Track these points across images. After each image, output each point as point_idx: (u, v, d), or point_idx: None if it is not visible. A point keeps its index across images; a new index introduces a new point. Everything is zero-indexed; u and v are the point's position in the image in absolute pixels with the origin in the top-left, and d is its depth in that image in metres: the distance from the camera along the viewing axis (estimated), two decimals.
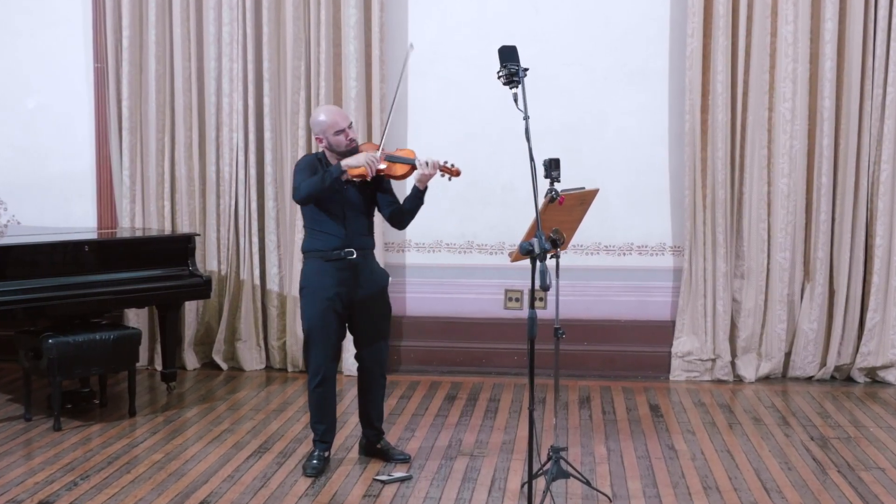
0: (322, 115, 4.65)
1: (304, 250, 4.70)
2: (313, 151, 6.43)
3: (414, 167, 4.56)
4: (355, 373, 6.24)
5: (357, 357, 4.85)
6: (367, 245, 4.69)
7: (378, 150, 4.64)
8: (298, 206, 6.43)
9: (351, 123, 4.65)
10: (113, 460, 4.88)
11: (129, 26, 6.60)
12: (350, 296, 4.63)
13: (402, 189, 4.73)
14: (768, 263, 6.44)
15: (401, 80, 4.66)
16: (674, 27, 6.48)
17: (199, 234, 6.53)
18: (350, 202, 4.61)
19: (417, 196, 4.63)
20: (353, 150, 4.60)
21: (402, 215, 4.72)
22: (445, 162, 4.57)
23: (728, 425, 5.52)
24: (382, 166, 4.56)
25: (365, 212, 4.69)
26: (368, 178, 4.48)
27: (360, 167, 4.45)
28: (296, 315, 6.61)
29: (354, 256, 4.60)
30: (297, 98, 6.55)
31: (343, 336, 4.76)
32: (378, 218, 4.88)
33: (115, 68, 6.70)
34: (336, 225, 4.58)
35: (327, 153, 4.65)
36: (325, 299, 4.59)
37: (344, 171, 4.47)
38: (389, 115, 4.66)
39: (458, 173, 4.58)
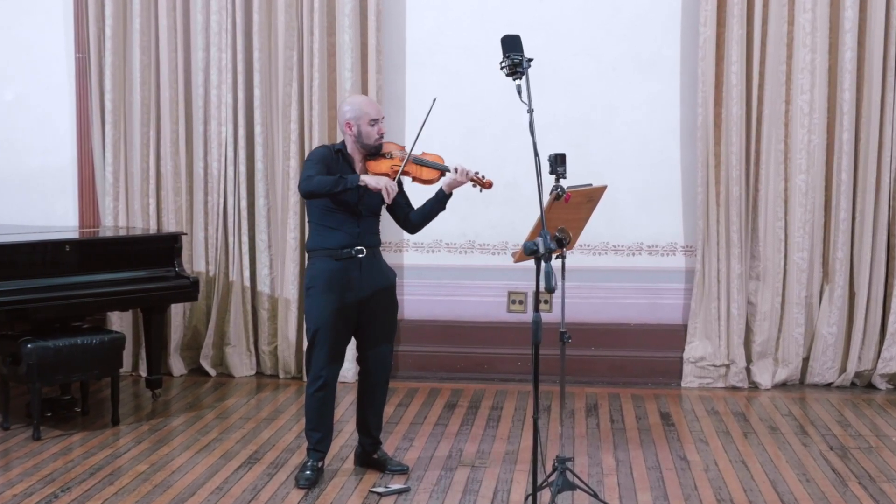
0: (356, 102, 4.70)
1: (311, 248, 4.72)
2: (305, 146, 6.48)
3: (442, 174, 4.62)
4: (351, 379, 6.30)
5: (360, 360, 4.86)
6: (375, 243, 4.73)
7: (402, 150, 4.70)
8: (290, 204, 6.51)
9: (384, 117, 4.70)
10: (95, 471, 4.88)
11: (113, 15, 6.60)
12: (358, 296, 4.65)
13: (419, 193, 4.78)
14: (785, 264, 6.44)
15: (423, 127, 4.63)
16: (685, 15, 6.49)
17: (185, 234, 6.53)
18: (366, 201, 4.64)
19: (442, 201, 4.68)
20: (378, 147, 4.66)
21: (419, 219, 4.77)
22: (477, 172, 4.61)
23: (743, 434, 5.53)
24: (406, 178, 4.62)
25: (377, 211, 4.73)
26: (387, 201, 4.53)
27: (378, 186, 4.47)
28: (288, 318, 6.61)
29: (364, 255, 4.62)
30: (289, 90, 6.55)
31: (348, 340, 4.78)
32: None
33: (97, 59, 6.70)
34: (349, 223, 4.61)
35: (350, 144, 4.67)
36: (334, 300, 4.61)
37: (360, 185, 4.49)
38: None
39: (489, 185, 4.62)
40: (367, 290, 4.67)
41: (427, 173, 4.64)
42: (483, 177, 4.61)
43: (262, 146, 6.62)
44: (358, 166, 4.67)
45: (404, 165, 4.58)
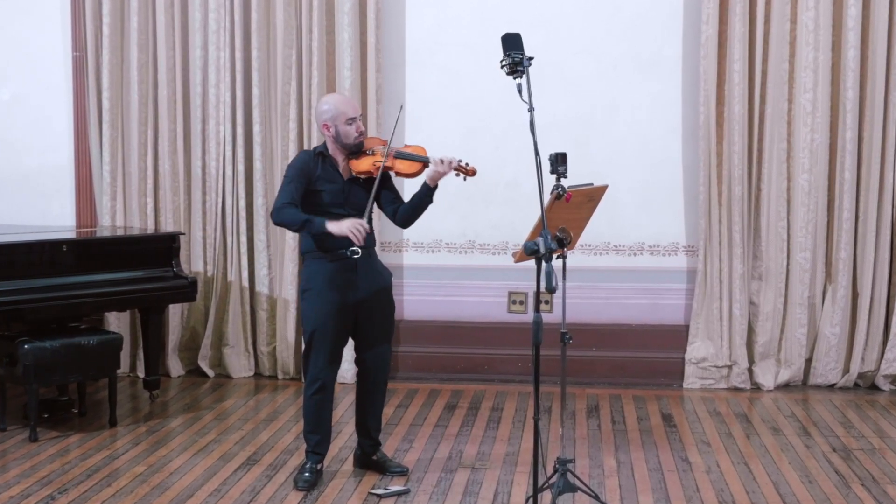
0: (332, 102, 4.69)
1: (305, 251, 4.72)
2: (304, 146, 6.48)
3: (425, 165, 4.62)
4: (349, 380, 6.30)
5: (358, 361, 4.86)
6: (369, 243, 4.72)
7: (384, 145, 4.68)
8: None
9: (361, 115, 4.70)
10: (92, 473, 4.88)
11: (110, 13, 6.60)
12: (355, 297, 4.65)
13: (411, 186, 4.77)
14: (788, 264, 6.44)
15: (393, 135, 4.67)
16: (687, 13, 6.49)
17: (183, 233, 6.52)
18: (353, 201, 4.64)
19: (427, 194, 4.65)
20: (359, 145, 4.64)
21: (408, 213, 4.74)
22: (460, 161, 4.61)
23: (745, 436, 5.53)
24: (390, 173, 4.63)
25: (370, 211, 4.72)
26: (358, 244, 4.47)
27: (342, 233, 4.45)
28: (286, 319, 6.61)
29: (360, 255, 4.62)
30: (288, 89, 6.55)
31: (346, 341, 4.78)
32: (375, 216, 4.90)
33: (94, 57, 6.70)
34: None
35: (330, 145, 4.67)
36: (330, 302, 4.61)
37: (322, 231, 4.49)
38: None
39: (473, 172, 4.62)
40: (364, 290, 4.67)
41: (408, 167, 4.64)
42: (467, 164, 4.61)
43: (261, 145, 6.62)
44: (341, 166, 4.67)
45: (385, 161, 4.59)
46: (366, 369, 4.84)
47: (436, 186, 4.63)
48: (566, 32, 6.55)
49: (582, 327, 6.36)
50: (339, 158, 4.68)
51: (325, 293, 4.61)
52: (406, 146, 4.73)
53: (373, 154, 4.65)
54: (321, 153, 4.67)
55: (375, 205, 4.76)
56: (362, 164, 4.64)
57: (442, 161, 4.56)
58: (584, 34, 6.57)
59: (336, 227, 4.47)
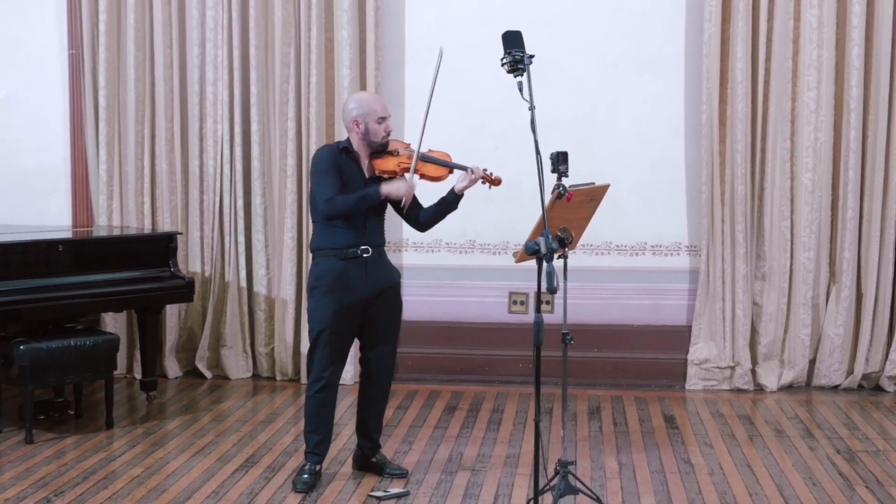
0: (365, 99, 4.72)
1: (316, 248, 4.73)
2: (302, 144, 6.48)
3: (450, 171, 4.67)
4: (349, 382, 6.30)
5: (362, 360, 4.87)
6: (380, 242, 4.76)
7: (407, 147, 4.72)
8: (288, 203, 6.52)
9: (390, 115, 4.73)
10: (89, 475, 4.88)
11: (107, 10, 6.60)
12: (363, 296, 4.67)
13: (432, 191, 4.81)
14: (791, 264, 6.44)
15: (434, 85, 4.63)
16: (690, 10, 6.49)
17: (181, 233, 6.53)
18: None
19: (455, 201, 4.71)
20: (385, 145, 4.68)
21: (430, 218, 4.78)
22: (485, 169, 4.65)
23: (748, 437, 5.53)
24: (416, 177, 4.67)
25: (383, 210, 4.75)
26: (402, 204, 4.59)
27: (400, 194, 4.58)
28: (285, 319, 6.61)
29: (370, 254, 4.63)
30: (286, 87, 6.55)
31: (352, 341, 4.80)
32: None
33: (91, 55, 6.70)
34: (354, 222, 4.63)
35: (356, 142, 4.67)
36: (338, 300, 4.62)
37: (379, 198, 4.56)
38: (426, 116, 4.65)
39: (498, 182, 4.67)
40: (372, 290, 4.69)
41: (434, 170, 4.67)
42: (491, 174, 4.65)
43: (259, 144, 6.62)
44: (364, 163, 4.69)
45: (415, 164, 4.60)
46: (369, 369, 4.85)
47: (462, 195, 4.67)
48: (567, 31, 6.55)
49: (583, 328, 6.36)
50: (363, 156, 4.70)
51: (333, 291, 4.62)
52: (430, 151, 4.73)
53: (397, 155, 4.68)
54: (346, 148, 4.69)
55: (393, 208, 4.77)
56: (387, 164, 4.66)
57: (472, 170, 4.61)
58: (585, 32, 6.57)
59: (394, 189, 4.59)
